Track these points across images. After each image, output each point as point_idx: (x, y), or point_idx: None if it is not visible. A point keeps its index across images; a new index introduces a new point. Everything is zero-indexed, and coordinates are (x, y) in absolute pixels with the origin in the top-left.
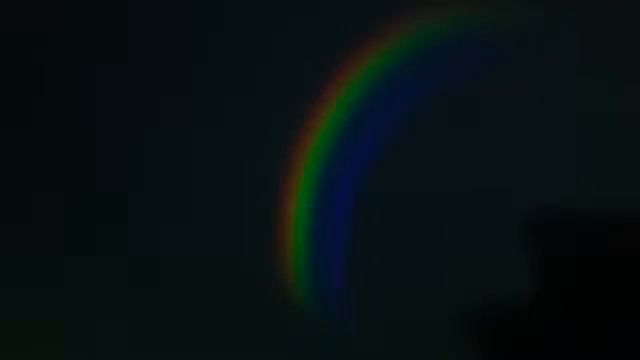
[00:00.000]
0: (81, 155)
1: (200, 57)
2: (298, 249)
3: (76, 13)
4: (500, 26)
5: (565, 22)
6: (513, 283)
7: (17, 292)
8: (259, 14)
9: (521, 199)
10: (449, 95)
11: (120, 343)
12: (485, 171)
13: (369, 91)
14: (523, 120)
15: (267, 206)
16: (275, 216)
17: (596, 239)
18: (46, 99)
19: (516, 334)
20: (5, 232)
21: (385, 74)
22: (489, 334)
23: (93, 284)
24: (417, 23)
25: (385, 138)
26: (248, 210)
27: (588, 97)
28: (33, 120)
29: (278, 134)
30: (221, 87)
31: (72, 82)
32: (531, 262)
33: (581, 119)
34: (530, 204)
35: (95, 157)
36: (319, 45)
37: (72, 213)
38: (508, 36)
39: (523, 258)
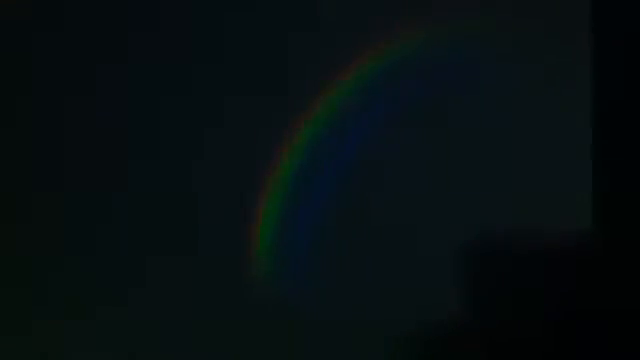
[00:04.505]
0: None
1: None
2: (268, 241)
3: (76, 14)
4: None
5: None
6: (450, 306)
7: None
8: (255, 30)
9: (460, 227)
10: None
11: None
12: (425, 200)
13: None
14: (457, 153)
15: (245, 202)
16: (251, 211)
17: (531, 264)
18: (47, 99)
19: (454, 355)
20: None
21: (359, 92)
22: (428, 354)
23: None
24: (387, 46)
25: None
26: (227, 206)
27: (529, 129)
28: (34, 119)
29: (260, 136)
30: (215, 90)
31: (73, 82)
32: (468, 287)
33: (517, 150)
34: (468, 232)
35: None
36: (303, 59)
37: (72, 212)
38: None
39: (462, 283)
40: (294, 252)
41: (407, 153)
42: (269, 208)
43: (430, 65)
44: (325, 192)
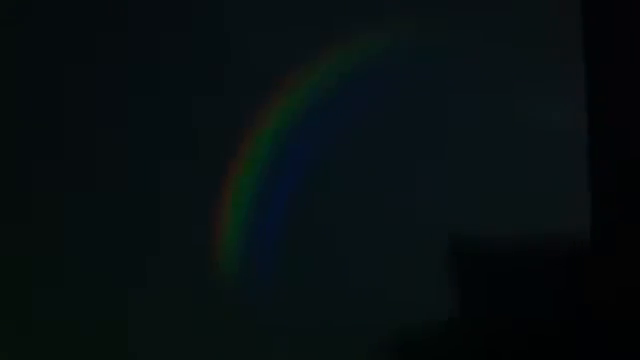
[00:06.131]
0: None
1: None
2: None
3: (74, 13)
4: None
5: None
6: (431, 309)
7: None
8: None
9: (441, 230)
10: (370, 122)
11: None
12: (406, 199)
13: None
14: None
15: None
16: (215, 213)
17: (511, 266)
18: (46, 98)
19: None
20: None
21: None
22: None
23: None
24: (356, 43)
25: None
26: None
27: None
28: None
29: (220, 139)
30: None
31: (70, 81)
32: (449, 289)
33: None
34: (448, 234)
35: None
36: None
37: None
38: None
39: (442, 286)
40: (260, 254)
41: (377, 152)
42: (234, 210)
43: (402, 63)
44: (293, 192)
